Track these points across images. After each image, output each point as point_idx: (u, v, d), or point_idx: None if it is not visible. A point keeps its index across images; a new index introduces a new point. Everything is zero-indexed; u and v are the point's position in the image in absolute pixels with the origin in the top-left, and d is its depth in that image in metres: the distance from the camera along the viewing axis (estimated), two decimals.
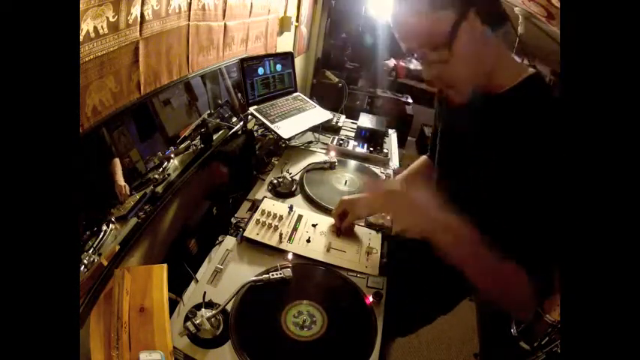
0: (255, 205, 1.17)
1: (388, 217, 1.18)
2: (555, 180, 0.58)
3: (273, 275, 0.89)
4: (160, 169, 1.16)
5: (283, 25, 2.03)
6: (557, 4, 1.21)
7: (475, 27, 0.61)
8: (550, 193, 0.59)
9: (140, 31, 0.90)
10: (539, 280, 0.64)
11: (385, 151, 1.61)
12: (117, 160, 0.96)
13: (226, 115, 1.58)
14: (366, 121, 1.73)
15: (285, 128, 1.48)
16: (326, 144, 1.61)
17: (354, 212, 1.05)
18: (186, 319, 0.78)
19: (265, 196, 1.18)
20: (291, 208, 1.12)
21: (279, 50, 2.06)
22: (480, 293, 0.71)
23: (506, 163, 0.65)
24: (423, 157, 1.19)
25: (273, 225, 1.05)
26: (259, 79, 1.58)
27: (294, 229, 1.06)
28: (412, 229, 0.79)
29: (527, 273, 0.64)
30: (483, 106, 0.69)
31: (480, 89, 0.70)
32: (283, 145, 1.58)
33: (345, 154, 1.56)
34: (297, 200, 1.22)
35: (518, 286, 0.65)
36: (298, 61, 2.58)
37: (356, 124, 1.74)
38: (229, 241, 1.01)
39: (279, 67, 1.67)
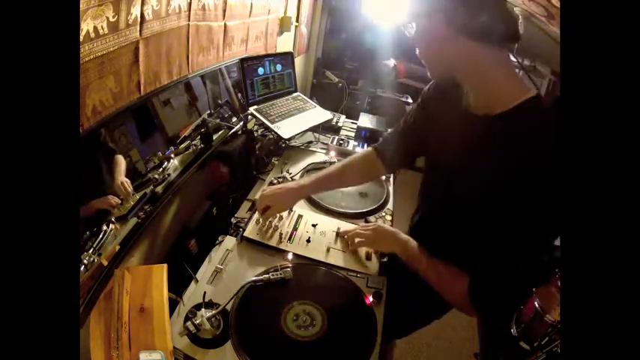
0: (255, 205, 1.17)
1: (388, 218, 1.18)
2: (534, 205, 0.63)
3: (273, 275, 0.89)
4: (160, 169, 1.16)
5: (283, 25, 2.03)
6: (557, 4, 1.21)
7: (437, 29, 0.67)
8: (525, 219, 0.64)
9: (140, 31, 0.90)
10: (484, 289, 0.73)
11: None
12: (119, 157, 0.96)
13: (226, 115, 1.58)
14: (366, 121, 1.73)
15: (285, 128, 1.48)
16: (326, 144, 1.61)
17: (276, 206, 1.02)
18: (186, 319, 0.78)
19: None
20: (291, 208, 1.12)
21: (279, 50, 2.06)
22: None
23: (488, 181, 0.68)
24: (369, 156, 1.08)
25: (273, 225, 1.05)
26: (259, 79, 1.58)
27: (294, 229, 1.06)
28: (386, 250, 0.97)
29: (470, 282, 0.74)
30: (480, 124, 0.72)
31: (480, 109, 0.73)
32: (283, 145, 1.58)
33: (345, 154, 1.55)
34: None
35: (455, 291, 0.77)
36: (298, 61, 2.58)
37: (356, 124, 1.74)
38: (229, 241, 1.01)
39: (279, 67, 1.67)
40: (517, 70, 0.70)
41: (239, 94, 1.69)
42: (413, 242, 0.91)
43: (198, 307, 0.80)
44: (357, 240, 1.00)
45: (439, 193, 0.87)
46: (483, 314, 0.77)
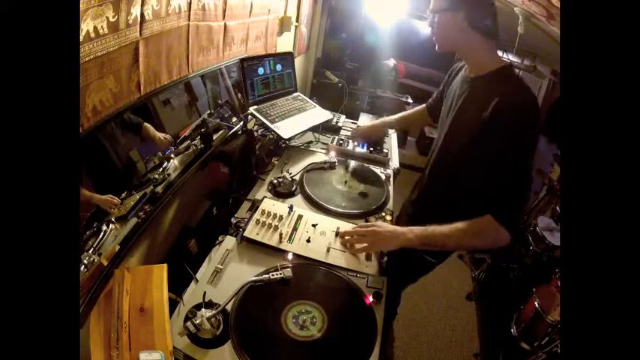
0: (255, 205, 1.17)
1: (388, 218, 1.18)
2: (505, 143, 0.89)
3: (273, 275, 0.89)
4: (160, 169, 1.16)
5: (283, 25, 2.03)
6: (557, 4, 1.21)
7: (457, 21, 0.96)
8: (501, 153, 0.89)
9: (140, 31, 0.90)
10: (507, 217, 0.90)
11: (385, 151, 1.61)
12: (145, 125, 1.10)
13: (226, 115, 1.58)
14: (366, 121, 1.73)
15: (285, 128, 1.48)
16: (326, 144, 1.61)
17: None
18: (186, 319, 0.78)
19: (265, 196, 1.18)
20: (291, 208, 1.12)
21: (279, 50, 2.06)
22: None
23: (476, 124, 0.94)
24: (422, 106, 1.51)
25: (273, 225, 1.05)
26: (259, 79, 1.58)
27: (294, 229, 1.06)
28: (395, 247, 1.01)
29: (496, 217, 0.89)
30: (471, 82, 1.05)
31: (472, 73, 1.05)
32: (283, 145, 1.58)
33: (345, 154, 1.56)
34: (297, 200, 1.22)
35: (490, 234, 0.91)
36: (298, 61, 2.58)
37: (356, 124, 1.74)
38: (229, 241, 1.01)
39: (279, 67, 1.67)
40: (497, 51, 1.03)
41: (239, 94, 1.69)
42: (414, 228, 0.99)
43: (198, 307, 0.80)
44: (358, 246, 1.02)
45: (439, 142, 1.16)
46: (512, 226, 0.91)
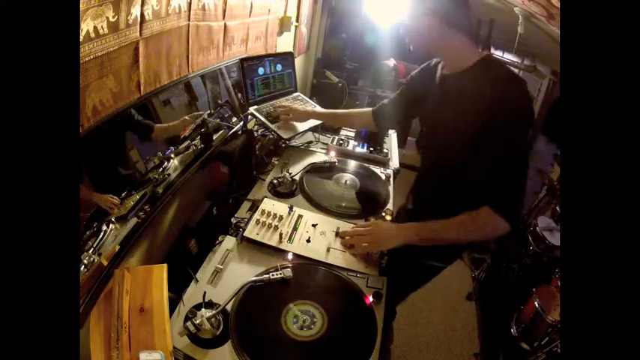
0: (255, 205, 1.17)
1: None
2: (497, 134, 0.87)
3: (273, 275, 0.89)
4: (160, 169, 1.16)
5: (283, 25, 2.03)
6: (557, 4, 1.21)
7: (431, 22, 0.95)
8: (494, 144, 0.88)
9: (140, 31, 0.90)
10: (510, 209, 0.90)
11: (385, 151, 1.61)
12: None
13: (226, 115, 1.58)
14: None
15: (285, 128, 1.48)
16: (326, 144, 1.61)
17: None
18: (186, 319, 0.78)
19: (265, 196, 1.18)
20: (291, 208, 1.12)
21: (279, 50, 2.06)
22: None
23: (462, 120, 0.95)
24: (367, 110, 1.41)
25: (273, 225, 1.05)
26: (259, 79, 1.58)
27: (294, 229, 1.06)
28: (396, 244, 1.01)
29: (493, 207, 0.89)
30: (449, 81, 1.03)
31: (451, 70, 1.03)
32: (283, 145, 1.58)
33: (345, 154, 1.56)
34: (297, 200, 1.22)
35: (488, 223, 0.91)
36: (298, 61, 2.58)
37: None
38: (229, 241, 1.01)
39: (279, 67, 1.67)
40: (473, 44, 0.99)
41: (239, 94, 1.69)
42: (413, 224, 1.00)
43: (198, 307, 0.80)
44: (363, 245, 1.01)
45: (432, 146, 1.15)
46: (511, 217, 0.90)
